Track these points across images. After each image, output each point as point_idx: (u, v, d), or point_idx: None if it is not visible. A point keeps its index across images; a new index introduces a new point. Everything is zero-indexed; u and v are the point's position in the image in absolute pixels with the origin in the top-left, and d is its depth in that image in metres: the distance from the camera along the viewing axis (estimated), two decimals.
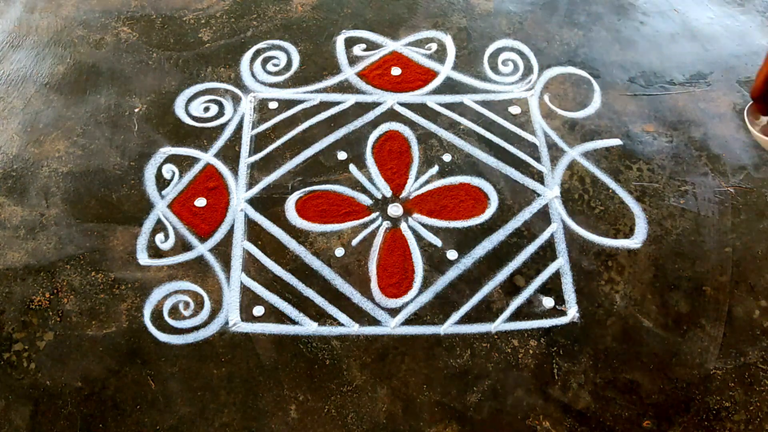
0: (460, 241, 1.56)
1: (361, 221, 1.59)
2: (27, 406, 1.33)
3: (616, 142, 1.73)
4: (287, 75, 1.85)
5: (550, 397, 1.35)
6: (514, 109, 1.79)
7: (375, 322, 1.45)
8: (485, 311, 1.46)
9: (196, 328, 1.43)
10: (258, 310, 1.46)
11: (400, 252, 1.54)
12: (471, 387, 1.36)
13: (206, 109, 1.78)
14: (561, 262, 1.53)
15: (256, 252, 1.54)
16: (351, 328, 1.44)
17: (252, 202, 1.62)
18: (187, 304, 1.46)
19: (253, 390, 1.35)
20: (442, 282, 1.50)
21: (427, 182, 1.66)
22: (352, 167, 1.68)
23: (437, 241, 1.56)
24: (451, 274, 1.51)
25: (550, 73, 1.87)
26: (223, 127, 1.75)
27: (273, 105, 1.79)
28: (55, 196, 1.62)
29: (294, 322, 1.44)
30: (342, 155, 1.70)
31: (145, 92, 1.81)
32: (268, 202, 1.62)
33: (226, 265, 1.52)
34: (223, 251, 1.54)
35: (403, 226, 1.59)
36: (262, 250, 1.54)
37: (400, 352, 1.41)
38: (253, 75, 1.85)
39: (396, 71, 1.86)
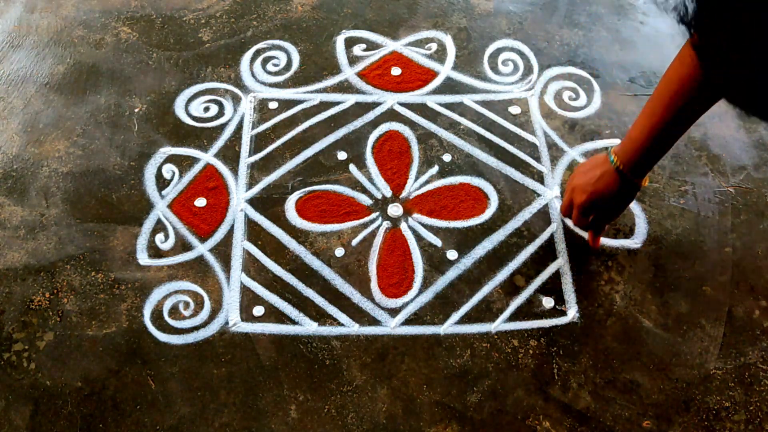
0: (460, 241, 1.56)
1: (361, 221, 1.59)
2: (27, 406, 1.33)
3: (616, 142, 1.73)
4: (287, 75, 1.86)
5: (550, 397, 1.35)
6: (514, 109, 1.79)
7: (375, 322, 1.45)
8: (485, 311, 1.46)
9: (196, 328, 1.43)
10: (258, 310, 1.46)
11: (400, 252, 1.54)
12: (471, 387, 1.36)
13: (206, 109, 1.78)
14: (561, 262, 1.53)
15: (256, 252, 1.54)
16: (351, 328, 1.44)
17: (252, 202, 1.62)
18: (187, 304, 1.46)
19: (253, 390, 1.35)
20: (442, 282, 1.50)
21: (427, 182, 1.66)
22: (352, 167, 1.68)
23: (437, 241, 1.56)
24: (451, 274, 1.52)
25: (550, 73, 1.87)
26: (223, 127, 1.75)
27: (273, 105, 1.79)
28: (55, 196, 1.62)
29: (294, 322, 1.44)
30: (342, 155, 1.70)
31: (145, 92, 1.81)
32: (268, 202, 1.62)
33: (226, 265, 1.52)
34: (223, 251, 1.54)
35: (403, 226, 1.59)
36: (262, 250, 1.54)
37: (400, 352, 1.41)
38: (253, 75, 1.85)
39: (396, 71, 1.86)
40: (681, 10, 0.83)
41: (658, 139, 1.12)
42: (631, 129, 1.17)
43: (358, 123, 1.76)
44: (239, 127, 1.75)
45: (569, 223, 1.55)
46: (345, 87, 1.83)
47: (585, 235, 1.52)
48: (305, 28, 1.96)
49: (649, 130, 1.11)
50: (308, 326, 1.44)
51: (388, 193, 1.64)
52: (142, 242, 1.55)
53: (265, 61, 1.88)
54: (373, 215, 1.61)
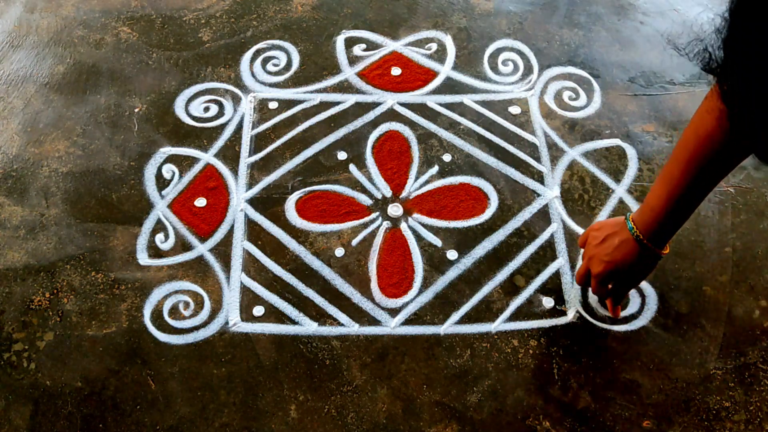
0: (460, 241, 1.56)
1: (361, 221, 1.59)
2: (27, 406, 1.33)
3: (616, 142, 1.73)
4: (287, 75, 1.86)
5: (550, 397, 1.35)
6: (514, 109, 1.79)
7: (375, 322, 1.45)
8: (485, 311, 1.46)
9: (196, 328, 1.43)
10: (258, 310, 1.46)
11: (400, 252, 1.55)
12: (471, 387, 1.36)
13: (206, 109, 1.78)
14: (561, 262, 1.53)
15: (256, 252, 1.54)
16: (351, 328, 1.44)
17: (252, 202, 1.62)
18: (187, 304, 1.46)
19: (253, 390, 1.35)
20: (442, 282, 1.51)
21: (427, 182, 1.66)
22: (352, 167, 1.68)
23: (437, 241, 1.56)
24: (451, 274, 1.52)
25: (550, 73, 1.87)
26: (223, 127, 1.75)
27: (273, 105, 1.79)
28: (55, 196, 1.62)
29: (294, 322, 1.44)
30: (342, 155, 1.70)
31: (145, 92, 1.81)
32: (268, 202, 1.62)
33: (226, 265, 1.52)
34: (223, 251, 1.54)
35: (403, 226, 1.59)
36: (262, 250, 1.54)
37: (400, 352, 1.41)
38: (253, 75, 1.85)
39: (396, 71, 1.86)
40: (704, 57, 0.77)
41: (678, 206, 1.03)
42: (648, 195, 1.07)
43: (358, 123, 1.77)
44: (239, 127, 1.75)
45: (590, 294, 1.46)
46: (345, 87, 1.84)
47: (600, 308, 1.44)
48: (305, 28, 1.96)
49: (668, 196, 1.01)
50: (308, 326, 1.44)
51: (388, 193, 1.64)
52: (142, 242, 1.55)
53: (265, 61, 1.88)
54: (373, 215, 1.61)
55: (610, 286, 1.28)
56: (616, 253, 1.14)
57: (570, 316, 1.46)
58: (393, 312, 1.47)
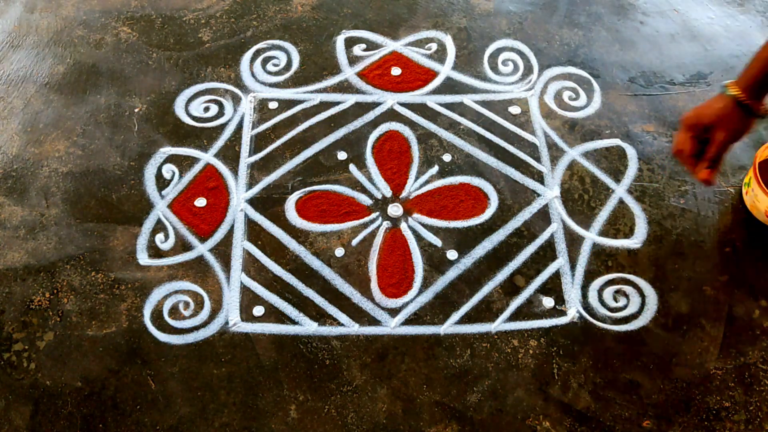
0: (460, 241, 1.56)
1: (361, 221, 1.59)
2: (27, 406, 1.33)
3: (616, 142, 1.73)
4: (287, 75, 1.86)
5: (550, 397, 1.35)
6: (514, 109, 1.79)
7: (375, 322, 1.45)
8: (485, 311, 1.46)
9: (196, 328, 1.43)
10: (258, 310, 1.46)
11: (400, 252, 1.55)
12: (471, 387, 1.36)
13: (206, 109, 1.78)
14: (561, 262, 1.53)
15: (256, 252, 1.54)
16: (351, 328, 1.44)
17: (252, 202, 1.62)
18: (187, 304, 1.46)
19: (253, 390, 1.35)
20: (442, 282, 1.51)
21: (427, 182, 1.66)
22: (352, 167, 1.68)
23: (437, 241, 1.56)
24: (451, 274, 1.52)
25: (550, 73, 1.87)
26: (223, 127, 1.75)
27: (273, 105, 1.79)
28: (55, 196, 1.62)
29: (294, 322, 1.44)
30: (342, 155, 1.70)
31: (145, 92, 1.81)
32: (268, 202, 1.62)
33: (226, 265, 1.52)
34: (223, 251, 1.54)
35: (403, 226, 1.59)
36: (262, 250, 1.54)
37: (400, 352, 1.41)
38: (253, 75, 1.85)
39: (396, 71, 1.86)
40: None
41: None
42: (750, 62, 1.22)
43: (358, 123, 1.77)
44: (239, 127, 1.75)
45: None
46: (345, 87, 1.83)
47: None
48: (305, 28, 1.96)
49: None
50: (308, 326, 1.44)
51: (388, 193, 1.64)
52: (142, 242, 1.55)
53: (265, 61, 1.88)
54: (373, 215, 1.61)
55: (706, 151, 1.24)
56: (712, 103, 1.24)
57: (570, 316, 1.46)
58: (393, 312, 1.47)
